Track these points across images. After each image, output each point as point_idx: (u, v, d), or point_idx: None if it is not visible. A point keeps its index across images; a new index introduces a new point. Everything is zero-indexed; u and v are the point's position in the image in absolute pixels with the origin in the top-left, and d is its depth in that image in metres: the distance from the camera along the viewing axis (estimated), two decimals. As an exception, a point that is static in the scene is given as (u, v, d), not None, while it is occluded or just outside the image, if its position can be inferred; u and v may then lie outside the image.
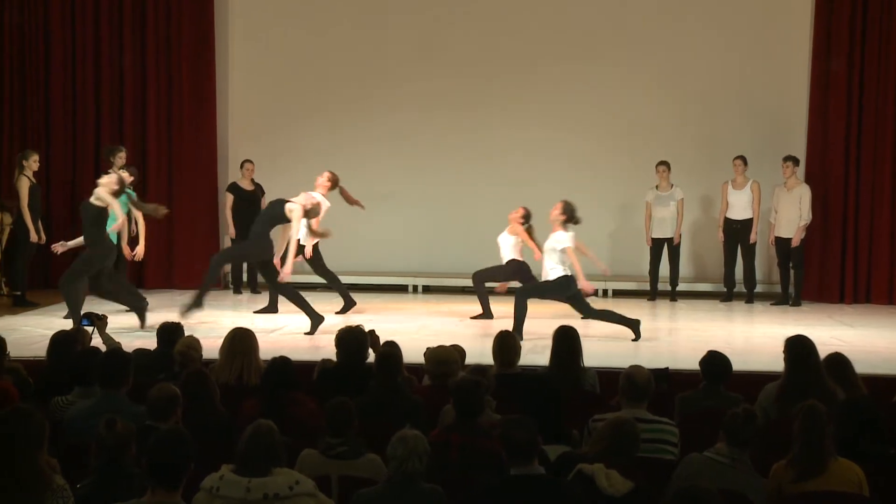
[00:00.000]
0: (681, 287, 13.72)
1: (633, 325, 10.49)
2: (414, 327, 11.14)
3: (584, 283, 10.45)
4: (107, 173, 12.85)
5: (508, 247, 11.82)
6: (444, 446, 5.47)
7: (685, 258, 14.08)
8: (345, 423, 5.37)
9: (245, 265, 13.73)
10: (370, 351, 7.40)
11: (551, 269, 10.37)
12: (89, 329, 8.23)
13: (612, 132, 14.46)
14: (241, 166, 13.76)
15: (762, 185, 13.38)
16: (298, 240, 10.88)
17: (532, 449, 4.93)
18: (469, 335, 10.33)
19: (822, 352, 6.92)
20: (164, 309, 11.82)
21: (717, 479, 5.06)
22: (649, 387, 6.08)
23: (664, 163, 13.55)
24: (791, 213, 13.16)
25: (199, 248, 14.24)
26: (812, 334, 7.08)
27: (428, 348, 7.29)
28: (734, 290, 13.58)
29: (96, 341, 8.09)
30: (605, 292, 13.97)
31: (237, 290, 13.83)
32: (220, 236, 14.29)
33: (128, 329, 10.34)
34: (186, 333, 7.67)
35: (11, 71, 14.04)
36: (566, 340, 7.40)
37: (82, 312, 9.16)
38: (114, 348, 7.60)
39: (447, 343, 7.48)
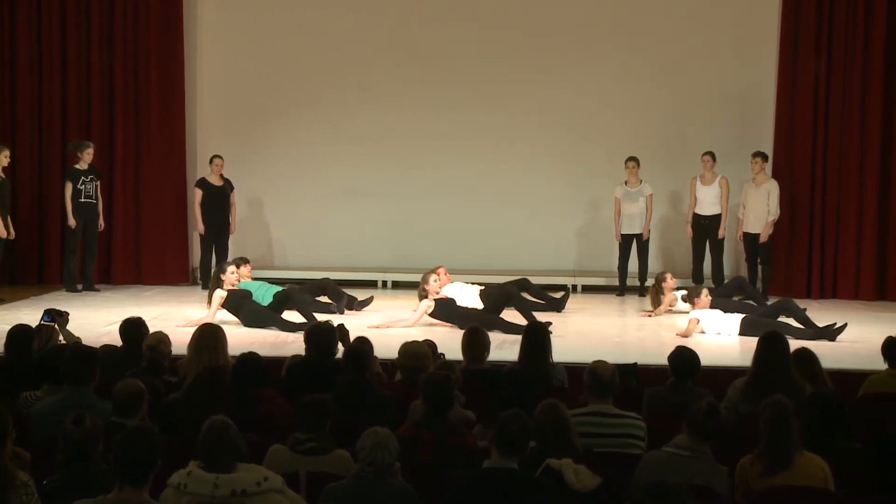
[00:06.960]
0: (649, 282, 13.73)
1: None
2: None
3: None
4: (74, 168, 12.86)
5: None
6: (414, 442, 5.47)
7: (654, 254, 14.08)
8: (320, 421, 5.34)
9: (214, 261, 13.65)
10: (339, 346, 7.40)
11: None
12: (50, 325, 8.15)
13: (580, 128, 14.44)
14: (210, 162, 13.67)
15: (730, 180, 13.43)
16: None
17: (524, 443, 4.92)
18: (438, 331, 10.33)
19: (790, 347, 6.97)
20: (131, 304, 11.79)
21: (680, 473, 5.05)
22: (613, 381, 6.08)
23: (633, 158, 13.56)
24: (759, 209, 13.20)
25: (166, 243, 14.16)
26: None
27: (403, 343, 7.29)
28: (703, 286, 13.59)
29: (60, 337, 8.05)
30: (573, 288, 13.98)
31: (206, 286, 13.73)
32: (188, 232, 14.20)
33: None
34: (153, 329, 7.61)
35: (-23, 67, 13.90)
36: (536, 336, 7.41)
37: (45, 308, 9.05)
38: (80, 344, 7.54)
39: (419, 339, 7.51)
